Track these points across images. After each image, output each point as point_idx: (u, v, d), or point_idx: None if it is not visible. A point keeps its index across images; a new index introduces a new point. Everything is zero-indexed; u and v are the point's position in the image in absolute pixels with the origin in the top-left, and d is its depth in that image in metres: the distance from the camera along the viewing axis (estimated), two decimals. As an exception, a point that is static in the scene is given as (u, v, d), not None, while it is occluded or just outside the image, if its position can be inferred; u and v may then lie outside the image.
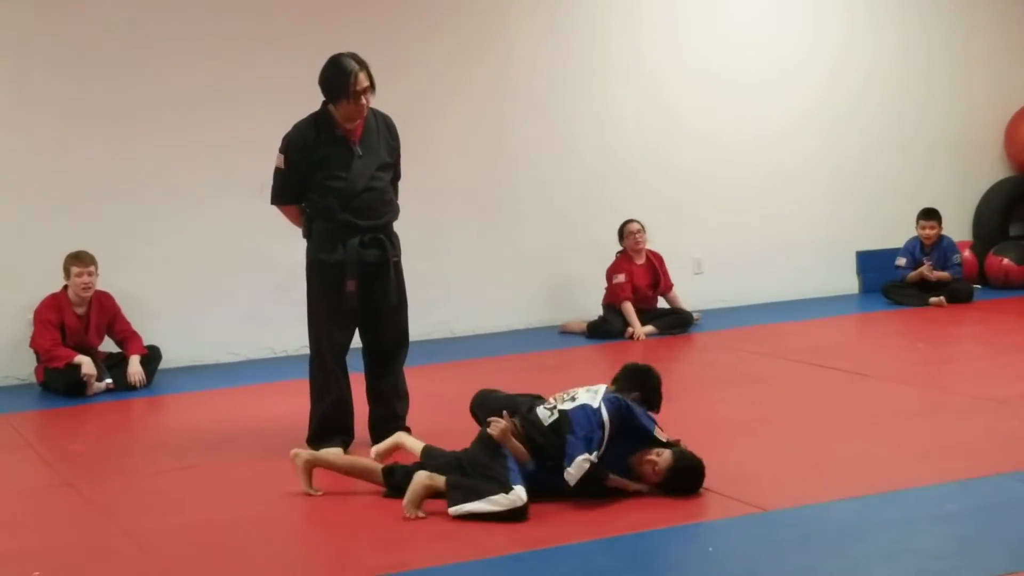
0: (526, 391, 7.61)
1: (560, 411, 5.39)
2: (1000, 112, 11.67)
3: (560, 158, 10.33)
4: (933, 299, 10.37)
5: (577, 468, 5.19)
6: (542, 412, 5.46)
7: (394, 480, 5.49)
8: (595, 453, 5.22)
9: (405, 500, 5.21)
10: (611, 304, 9.82)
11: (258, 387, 8.38)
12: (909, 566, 4.36)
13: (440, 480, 5.26)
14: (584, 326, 9.81)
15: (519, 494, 5.07)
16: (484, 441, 5.37)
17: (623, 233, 9.89)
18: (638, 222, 9.87)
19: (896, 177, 11.38)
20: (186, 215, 9.27)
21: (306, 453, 5.72)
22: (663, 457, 5.33)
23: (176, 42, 9.19)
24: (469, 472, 5.29)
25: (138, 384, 8.43)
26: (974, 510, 4.95)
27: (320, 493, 5.57)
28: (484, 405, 5.86)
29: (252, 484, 5.97)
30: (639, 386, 5.67)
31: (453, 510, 5.11)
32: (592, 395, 5.44)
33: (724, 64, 10.79)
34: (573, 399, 5.44)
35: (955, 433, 6.29)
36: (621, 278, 9.75)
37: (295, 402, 6.79)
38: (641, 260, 9.88)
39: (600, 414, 5.33)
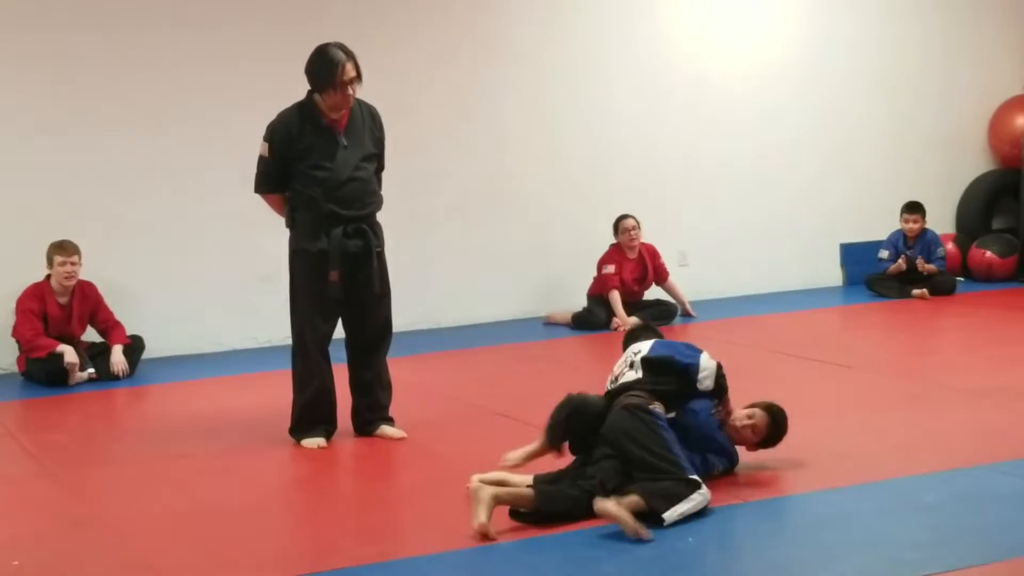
0: (512, 381, 7.67)
1: (641, 359, 5.35)
2: (984, 106, 11.71)
3: (547, 150, 10.34)
4: (916, 291, 10.40)
5: (707, 366, 5.25)
6: (629, 375, 5.35)
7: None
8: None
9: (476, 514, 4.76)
10: (596, 295, 9.84)
11: (242, 377, 8.38)
12: (886, 556, 4.38)
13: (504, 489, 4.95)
14: (569, 317, 9.83)
15: (705, 489, 4.90)
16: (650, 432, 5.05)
17: (618, 228, 9.90)
18: (634, 218, 9.89)
19: (880, 170, 11.41)
20: (170, 204, 9.25)
21: (490, 487, 4.89)
22: (757, 415, 5.44)
23: (160, 30, 9.18)
24: (639, 472, 4.96)
25: (121, 374, 8.42)
26: (952, 501, 4.98)
27: (496, 538, 4.75)
28: (580, 410, 5.27)
29: (235, 474, 5.98)
30: (653, 334, 5.72)
31: (670, 515, 4.75)
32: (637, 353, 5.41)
33: (711, 59, 10.81)
34: (631, 364, 5.39)
35: (935, 424, 6.32)
36: (611, 269, 9.78)
37: (279, 392, 6.80)
38: (633, 255, 9.91)
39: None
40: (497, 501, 4.81)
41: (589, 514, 4.81)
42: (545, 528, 4.81)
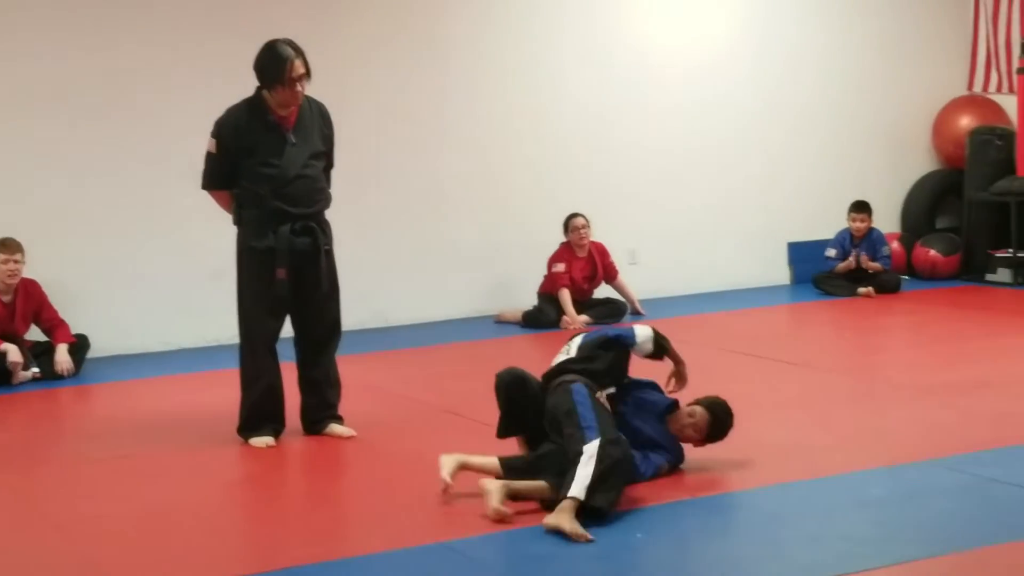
0: (462, 380, 7.66)
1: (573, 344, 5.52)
2: (928, 106, 11.82)
3: (497, 148, 10.34)
4: (862, 290, 10.50)
5: (642, 331, 5.49)
6: (561, 357, 5.49)
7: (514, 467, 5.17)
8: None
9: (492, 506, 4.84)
10: (546, 294, 9.86)
11: (189, 376, 8.32)
12: (833, 551, 4.42)
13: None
14: (519, 316, 9.84)
15: (593, 444, 4.82)
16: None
17: (568, 227, 9.92)
18: (583, 217, 9.90)
19: (827, 170, 11.49)
20: (115, 201, 9.17)
21: (498, 482, 4.94)
22: (697, 413, 5.46)
23: (104, 26, 9.09)
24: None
25: (66, 373, 8.34)
26: (898, 496, 5.03)
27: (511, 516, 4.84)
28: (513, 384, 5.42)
29: (182, 473, 5.94)
30: None
31: (575, 491, 4.71)
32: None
33: (659, 58, 10.84)
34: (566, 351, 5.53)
35: (881, 421, 6.38)
36: (561, 267, 9.80)
37: (227, 391, 6.75)
38: (583, 254, 9.92)
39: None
40: (506, 495, 4.89)
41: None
42: (494, 526, 4.83)
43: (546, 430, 5.21)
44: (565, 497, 4.71)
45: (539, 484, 4.98)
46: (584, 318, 9.64)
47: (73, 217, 9.07)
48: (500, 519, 4.80)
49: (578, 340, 5.54)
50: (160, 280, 9.28)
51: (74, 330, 8.58)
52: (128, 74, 9.14)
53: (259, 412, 6.31)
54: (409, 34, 10.03)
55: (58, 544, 4.92)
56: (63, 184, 9.04)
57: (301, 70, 6.13)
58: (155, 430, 6.74)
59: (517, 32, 10.40)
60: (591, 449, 4.80)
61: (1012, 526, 4.62)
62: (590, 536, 4.57)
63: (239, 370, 6.37)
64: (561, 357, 5.49)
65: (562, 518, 4.64)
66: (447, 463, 5.15)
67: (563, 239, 9.94)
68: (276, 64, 6.11)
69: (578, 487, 4.71)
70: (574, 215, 9.92)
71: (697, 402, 5.52)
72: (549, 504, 4.85)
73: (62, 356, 8.38)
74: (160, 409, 7.29)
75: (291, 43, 6.18)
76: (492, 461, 5.16)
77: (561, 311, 9.67)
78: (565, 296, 9.70)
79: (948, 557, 4.35)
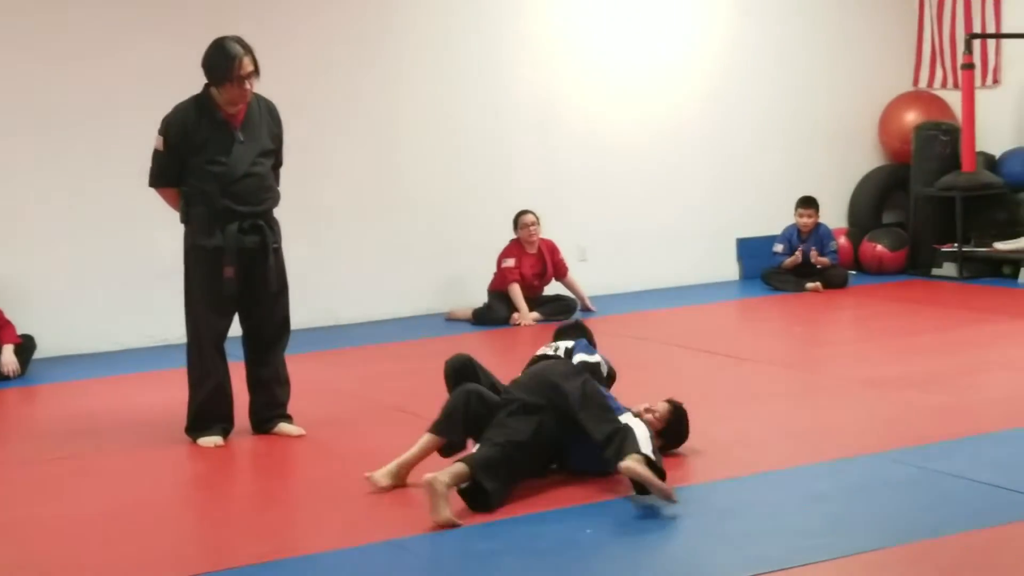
0: (412, 378, 7.66)
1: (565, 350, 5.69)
2: (874, 102, 11.91)
3: (446, 146, 10.32)
4: (810, 285, 10.57)
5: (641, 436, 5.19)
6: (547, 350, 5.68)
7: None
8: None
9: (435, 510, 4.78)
10: (496, 291, 9.86)
11: (137, 376, 8.26)
12: (781, 545, 4.45)
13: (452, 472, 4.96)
14: (470, 313, 9.84)
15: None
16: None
17: (517, 224, 9.92)
18: (533, 214, 9.91)
19: (774, 165, 11.56)
20: (62, 199, 9.08)
21: (445, 476, 4.86)
22: (659, 405, 5.61)
23: (52, 24, 9.00)
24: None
25: (11, 374, 8.26)
26: (845, 489, 5.07)
27: (461, 523, 4.79)
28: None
29: (130, 473, 5.90)
30: (583, 332, 6.03)
31: (647, 451, 4.92)
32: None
33: (607, 54, 10.87)
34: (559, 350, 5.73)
35: (828, 415, 6.43)
36: (511, 262, 9.80)
37: (175, 391, 6.71)
38: (533, 250, 9.93)
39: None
40: (448, 488, 4.82)
41: (522, 469, 5.07)
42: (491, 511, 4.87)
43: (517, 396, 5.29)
44: (631, 455, 4.87)
45: (461, 469, 4.92)
46: (535, 315, 9.65)
47: (18, 218, 8.98)
48: (450, 524, 4.75)
49: (580, 358, 5.69)
50: (107, 280, 9.20)
51: (20, 331, 8.49)
52: (71, 75, 9.05)
53: (207, 412, 6.28)
54: (359, 32, 9.99)
55: (2, 546, 4.87)
56: (6, 186, 8.95)
57: (250, 67, 6.10)
58: (102, 430, 6.69)
59: (467, 30, 10.39)
60: (628, 418, 5.13)
61: (958, 518, 4.67)
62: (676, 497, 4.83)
63: (187, 370, 6.34)
64: (549, 351, 5.71)
65: (645, 471, 4.82)
66: (440, 495, 4.78)
67: (513, 236, 9.95)
68: (224, 62, 6.08)
69: (646, 447, 4.93)
70: (524, 212, 9.93)
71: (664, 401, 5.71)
72: (469, 490, 4.93)
73: (8, 357, 8.30)
74: (107, 409, 7.23)
75: (240, 40, 6.16)
76: (462, 467, 4.97)
77: (511, 308, 9.68)
78: (516, 291, 9.70)
79: (896, 549, 4.39)
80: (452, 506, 4.81)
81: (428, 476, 4.81)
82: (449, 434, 5.27)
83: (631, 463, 4.85)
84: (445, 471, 4.88)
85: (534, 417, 5.19)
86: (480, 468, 4.93)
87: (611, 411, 5.17)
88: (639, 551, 4.52)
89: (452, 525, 4.74)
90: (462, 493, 4.94)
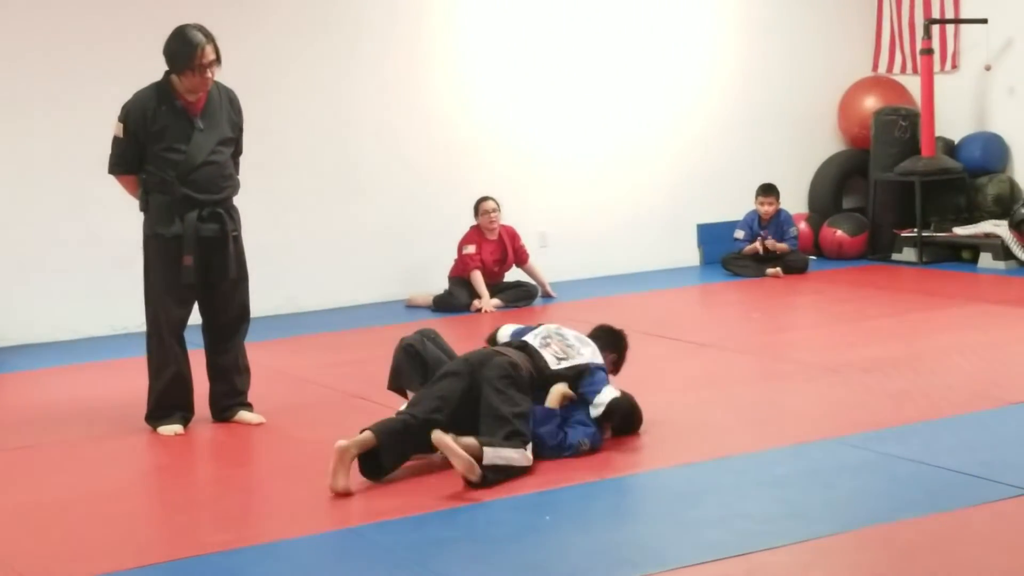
0: (372, 365, 7.64)
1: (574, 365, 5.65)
2: (834, 87, 11.96)
3: (407, 132, 10.30)
4: (770, 270, 10.62)
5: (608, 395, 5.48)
6: (549, 357, 5.64)
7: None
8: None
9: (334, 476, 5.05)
10: (457, 277, 9.86)
11: (97, 364, 8.23)
12: (738, 530, 4.48)
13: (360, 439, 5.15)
14: (430, 300, 9.83)
15: (529, 452, 5.22)
16: (514, 384, 5.35)
17: (478, 210, 9.92)
18: (494, 200, 9.91)
19: (734, 152, 11.60)
20: (20, 187, 9.02)
21: (353, 446, 5.11)
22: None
23: (10, 12, 8.93)
24: (486, 417, 5.26)
25: (-30, 363, 8.22)
26: (802, 474, 5.11)
27: (353, 492, 5.06)
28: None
29: (89, 462, 5.89)
30: (615, 348, 6.00)
31: (488, 453, 5.05)
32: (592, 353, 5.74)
33: (570, 41, 10.86)
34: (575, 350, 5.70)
35: (786, 399, 6.48)
36: (471, 249, 9.80)
37: (135, 379, 6.69)
38: (493, 237, 9.93)
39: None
40: (351, 457, 5.08)
41: (427, 444, 5.11)
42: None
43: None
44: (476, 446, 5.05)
45: (365, 436, 5.13)
46: (496, 301, 9.66)
47: (-25, 204, 8.92)
48: (345, 494, 5.00)
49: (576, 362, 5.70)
50: (66, 268, 9.14)
51: (-23, 319, 8.45)
52: (32, 62, 8.99)
53: (167, 400, 6.27)
54: (319, 19, 9.95)
55: (-39, 537, 4.86)
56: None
57: (211, 56, 6.09)
58: (61, 419, 6.66)
59: (428, 16, 10.37)
60: (527, 454, 5.20)
61: (914, 502, 4.72)
62: (478, 473, 4.99)
63: (147, 358, 6.32)
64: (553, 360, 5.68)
65: (458, 447, 4.99)
66: (342, 462, 5.07)
67: (473, 222, 9.95)
68: (186, 49, 6.06)
69: (491, 453, 5.06)
70: (484, 198, 9.93)
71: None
72: (371, 460, 5.14)
73: (-35, 346, 8.26)
74: (67, 398, 7.20)
75: (202, 28, 6.14)
76: (367, 435, 5.18)
77: (472, 294, 9.68)
78: (477, 277, 9.71)
79: (853, 533, 4.43)
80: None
81: (340, 443, 5.05)
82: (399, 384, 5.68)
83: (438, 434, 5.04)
84: (352, 440, 5.10)
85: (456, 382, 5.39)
86: (384, 435, 5.14)
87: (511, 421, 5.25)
88: (596, 537, 4.53)
89: (348, 494, 5.00)
90: (363, 466, 5.15)
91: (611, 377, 5.80)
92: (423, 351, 5.66)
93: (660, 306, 9.63)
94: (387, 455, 5.16)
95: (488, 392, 5.28)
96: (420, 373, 5.61)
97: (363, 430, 5.19)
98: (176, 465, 5.87)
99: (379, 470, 5.19)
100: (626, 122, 11.15)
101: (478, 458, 5.01)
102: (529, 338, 5.73)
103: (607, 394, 5.54)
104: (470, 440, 5.06)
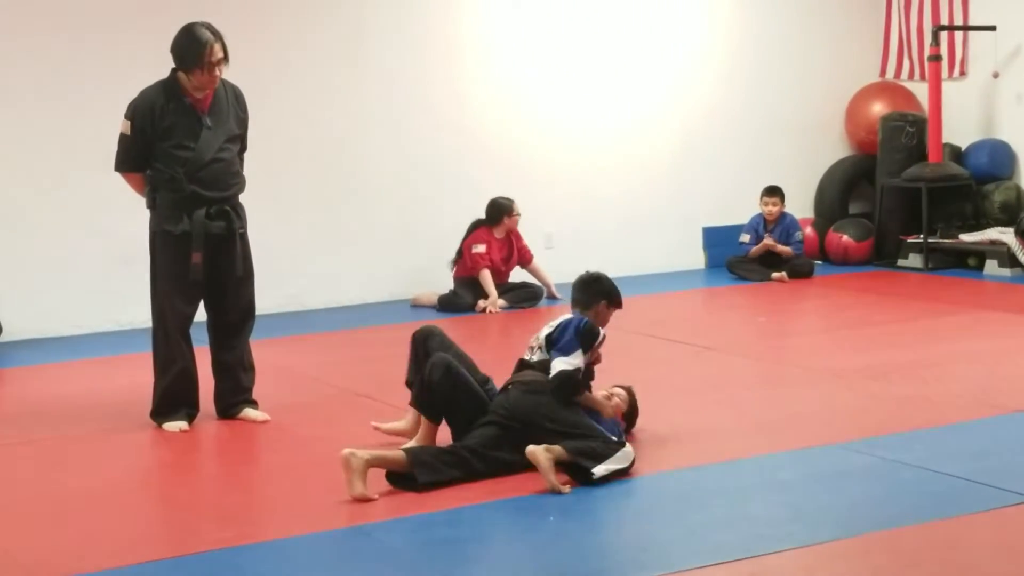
0: (377, 364, 7.66)
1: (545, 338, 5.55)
2: (841, 93, 11.95)
3: (413, 132, 10.29)
4: (775, 274, 10.61)
5: (555, 376, 5.32)
6: (528, 355, 5.58)
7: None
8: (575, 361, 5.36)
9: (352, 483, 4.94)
10: (462, 277, 9.86)
11: (103, 360, 8.22)
12: (743, 533, 4.48)
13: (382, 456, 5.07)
14: (435, 299, 9.83)
15: (630, 447, 5.22)
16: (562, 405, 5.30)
17: (504, 212, 9.81)
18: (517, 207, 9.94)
19: (741, 155, 11.59)
20: (28, 184, 9.02)
21: (365, 453, 4.99)
22: (618, 393, 5.69)
23: (17, 9, 8.93)
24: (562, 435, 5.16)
25: (-24, 357, 8.23)
26: (807, 479, 5.11)
27: (376, 497, 4.96)
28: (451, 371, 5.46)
29: (95, 458, 5.89)
30: (602, 294, 5.90)
31: (599, 470, 5.02)
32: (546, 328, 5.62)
33: (577, 44, 10.85)
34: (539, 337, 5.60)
35: (791, 404, 6.47)
36: (482, 248, 9.79)
37: (140, 376, 6.69)
38: (501, 235, 9.94)
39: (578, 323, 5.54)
40: (370, 466, 4.94)
41: (463, 476, 5.03)
42: (419, 492, 4.94)
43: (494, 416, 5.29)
44: (586, 470, 5.00)
45: (397, 455, 5.05)
46: (501, 302, 9.66)
47: (-18, 199, 8.93)
48: (364, 499, 4.89)
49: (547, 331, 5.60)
50: (73, 263, 9.14)
51: (-17, 313, 8.46)
52: (39, 58, 8.98)
53: (173, 396, 6.27)
54: (327, 20, 9.96)
55: (-34, 531, 4.86)
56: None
57: (220, 54, 6.10)
58: (66, 414, 6.66)
59: (434, 17, 10.37)
60: (629, 452, 5.19)
61: (918, 508, 4.72)
62: (568, 491, 4.93)
63: (152, 354, 6.32)
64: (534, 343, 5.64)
65: (549, 462, 4.94)
66: (356, 470, 4.92)
67: (476, 219, 9.92)
68: (194, 47, 6.07)
69: (601, 469, 5.01)
70: (511, 201, 9.87)
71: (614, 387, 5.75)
72: (395, 476, 5.03)
73: (-29, 340, 8.26)
74: (72, 393, 7.20)
75: (209, 27, 6.15)
76: (399, 454, 5.09)
77: (477, 295, 9.68)
78: (486, 276, 9.70)
79: (857, 538, 4.44)
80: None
81: (346, 451, 4.95)
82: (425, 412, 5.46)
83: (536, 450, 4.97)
84: (369, 451, 5.01)
85: (505, 434, 5.24)
86: (418, 464, 5.02)
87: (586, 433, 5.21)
88: (602, 539, 4.54)
89: (366, 499, 4.88)
90: (390, 477, 5.05)
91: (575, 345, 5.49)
92: (456, 375, 5.40)
93: (665, 309, 9.62)
94: (424, 474, 5.02)
95: (554, 438, 5.15)
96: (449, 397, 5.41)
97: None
98: (180, 462, 5.88)
99: (410, 483, 5.06)
100: (633, 125, 11.14)
101: (586, 471, 5.00)
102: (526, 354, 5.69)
103: (555, 366, 5.35)
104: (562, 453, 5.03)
